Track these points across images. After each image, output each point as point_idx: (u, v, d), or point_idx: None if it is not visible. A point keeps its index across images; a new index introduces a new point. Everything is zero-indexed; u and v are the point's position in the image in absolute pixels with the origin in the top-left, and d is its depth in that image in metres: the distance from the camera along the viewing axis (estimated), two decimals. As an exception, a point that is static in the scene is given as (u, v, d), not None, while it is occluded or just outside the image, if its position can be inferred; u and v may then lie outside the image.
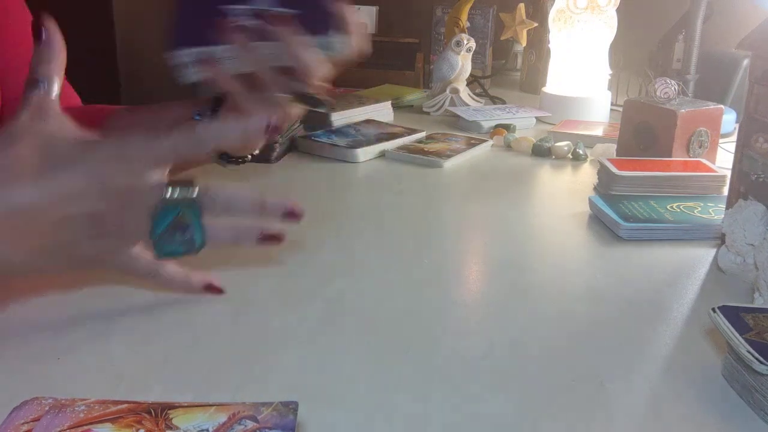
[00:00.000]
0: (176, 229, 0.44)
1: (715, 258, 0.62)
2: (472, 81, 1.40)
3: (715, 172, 0.80)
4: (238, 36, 0.50)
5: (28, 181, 0.40)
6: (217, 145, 0.44)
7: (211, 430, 0.31)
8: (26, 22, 0.73)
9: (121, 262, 0.46)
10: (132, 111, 0.69)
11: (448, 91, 1.28)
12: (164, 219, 0.44)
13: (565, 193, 0.85)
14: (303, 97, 0.55)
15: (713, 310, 0.44)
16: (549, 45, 1.28)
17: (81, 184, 0.41)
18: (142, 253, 0.46)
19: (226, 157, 0.59)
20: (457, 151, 0.97)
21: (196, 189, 0.45)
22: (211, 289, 0.52)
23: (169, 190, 0.43)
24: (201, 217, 0.45)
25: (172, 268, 0.49)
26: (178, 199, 0.44)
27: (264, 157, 0.88)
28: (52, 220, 0.41)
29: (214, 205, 0.46)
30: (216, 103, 0.59)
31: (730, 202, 0.64)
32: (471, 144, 1.01)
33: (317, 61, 0.51)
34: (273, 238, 0.50)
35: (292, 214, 0.49)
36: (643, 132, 0.90)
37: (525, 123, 1.18)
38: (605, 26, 1.19)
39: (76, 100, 0.79)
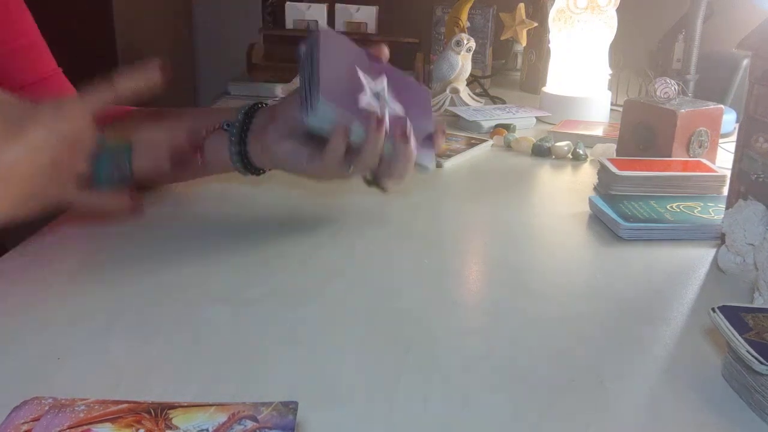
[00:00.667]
0: (112, 167, 0.58)
1: (715, 258, 0.62)
2: (472, 81, 1.40)
3: (715, 172, 0.80)
4: (379, 126, 0.56)
5: (3, 143, 0.46)
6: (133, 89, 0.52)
7: (210, 430, 0.31)
8: (24, 18, 0.73)
9: (73, 195, 0.53)
10: (151, 115, 0.71)
11: (448, 91, 1.28)
12: (104, 161, 0.57)
13: (565, 193, 0.85)
14: (374, 182, 0.64)
15: (713, 310, 0.44)
16: (549, 45, 1.28)
17: (42, 136, 0.47)
18: (85, 186, 0.54)
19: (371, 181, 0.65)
20: (457, 151, 0.97)
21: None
22: (130, 207, 0.59)
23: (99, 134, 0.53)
24: (130, 156, 0.59)
25: (106, 194, 0.58)
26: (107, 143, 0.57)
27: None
28: (28, 171, 0.47)
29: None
30: (247, 116, 0.62)
31: (730, 202, 0.64)
32: (471, 144, 1.01)
33: (410, 173, 0.60)
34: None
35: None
36: (643, 132, 0.90)
37: (525, 123, 1.18)
38: (605, 26, 1.19)
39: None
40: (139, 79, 0.51)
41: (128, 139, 0.59)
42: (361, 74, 0.58)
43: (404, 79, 0.63)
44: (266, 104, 0.66)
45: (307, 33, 0.60)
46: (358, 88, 0.57)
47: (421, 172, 0.62)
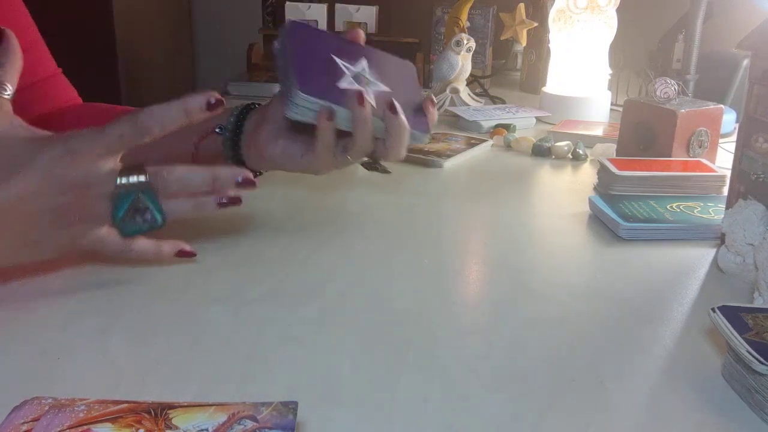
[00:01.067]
0: (136, 211, 0.47)
1: (715, 258, 0.62)
2: (472, 81, 1.40)
3: (715, 172, 0.80)
4: (361, 104, 0.55)
5: None
6: (162, 130, 0.47)
7: (210, 430, 0.31)
8: (22, 19, 0.73)
9: (91, 245, 0.48)
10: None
11: (448, 91, 1.28)
12: (122, 204, 0.47)
13: (565, 193, 0.85)
14: (374, 165, 0.63)
15: (713, 310, 0.44)
16: (549, 45, 1.28)
17: (37, 183, 0.44)
18: (110, 233, 0.48)
19: (369, 165, 0.65)
20: (457, 151, 0.97)
21: (146, 174, 0.48)
22: (183, 254, 0.53)
23: (121, 178, 0.47)
24: (157, 198, 0.48)
25: (142, 242, 0.51)
26: (131, 184, 0.47)
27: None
28: (18, 219, 0.44)
29: (167, 185, 0.49)
30: (240, 118, 0.61)
31: (729, 202, 0.64)
32: (471, 144, 1.01)
33: (406, 146, 0.58)
34: (231, 202, 0.53)
35: (245, 183, 0.52)
36: (643, 132, 0.90)
37: (525, 123, 1.18)
38: (605, 26, 1.19)
39: (76, 99, 0.79)
40: (166, 119, 0.47)
41: (142, 169, 0.48)
42: (337, 60, 0.57)
43: (386, 56, 0.62)
44: (258, 105, 0.65)
45: (278, 29, 0.59)
46: (337, 73, 0.57)
47: (416, 141, 0.60)
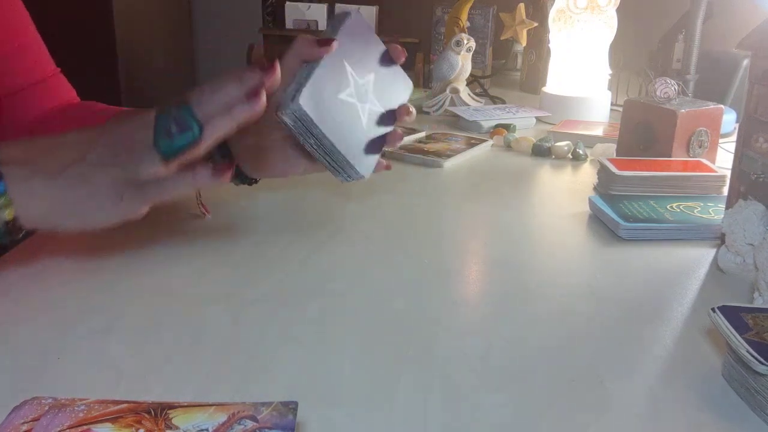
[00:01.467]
0: (171, 125, 0.47)
1: (715, 258, 0.62)
2: (472, 81, 1.40)
3: (715, 172, 0.80)
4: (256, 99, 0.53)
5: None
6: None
7: (210, 429, 0.31)
8: (20, 19, 0.73)
9: (139, 174, 0.48)
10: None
11: (448, 91, 1.28)
12: (160, 124, 0.47)
13: (565, 193, 0.85)
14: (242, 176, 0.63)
15: (713, 310, 0.44)
16: (549, 45, 1.28)
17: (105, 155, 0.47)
18: (154, 160, 0.48)
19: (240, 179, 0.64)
20: (457, 151, 0.97)
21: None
22: (219, 170, 0.49)
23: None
24: (191, 110, 0.47)
25: (179, 171, 0.49)
26: (166, 106, 0.48)
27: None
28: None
29: (201, 97, 0.48)
30: (224, 152, 0.61)
31: (729, 202, 0.64)
32: (471, 144, 1.01)
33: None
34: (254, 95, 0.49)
35: (269, 69, 0.49)
36: (643, 132, 0.90)
37: (525, 123, 1.18)
38: (605, 26, 1.19)
39: (74, 98, 0.79)
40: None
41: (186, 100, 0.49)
42: (348, 68, 0.56)
43: (394, 75, 0.61)
44: None
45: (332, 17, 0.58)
46: (343, 83, 0.56)
47: (343, 177, 0.57)
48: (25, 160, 0.47)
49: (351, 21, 0.57)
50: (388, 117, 0.60)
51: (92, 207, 0.48)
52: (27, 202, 0.46)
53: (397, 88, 0.61)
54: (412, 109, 0.61)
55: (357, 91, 0.57)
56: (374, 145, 0.58)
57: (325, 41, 0.54)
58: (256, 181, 0.67)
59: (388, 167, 0.63)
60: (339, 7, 1.73)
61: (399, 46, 0.61)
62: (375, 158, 0.59)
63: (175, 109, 0.47)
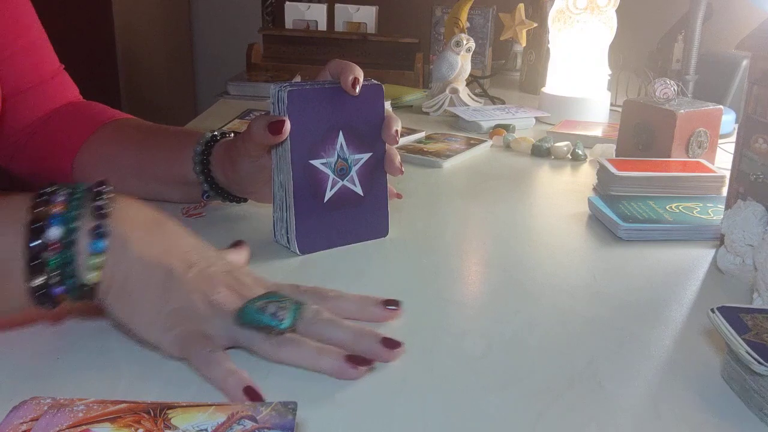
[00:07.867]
0: (270, 304, 0.44)
1: (714, 258, 0.62)
2: (472, 81, 1.40)
3: (714, 172, 0.80)
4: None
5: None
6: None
7: (210, 430, 0.31)
8: (25, 13, 0.73)
9: (210, 310, 0.44)
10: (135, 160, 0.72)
11: (447, 91, 1.28)
12: (270, 295, 0.46)
13: (564, 193, 0.85)
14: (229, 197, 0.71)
15: (712, 310, 0.44)
16: (548, 45, 1.28)
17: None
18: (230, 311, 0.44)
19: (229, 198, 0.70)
20: (457, 151, 0.97)
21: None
22: (247, 392, 0.40)
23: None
24: (300, 313, 0.45)
25: (226, 357, 0.42)
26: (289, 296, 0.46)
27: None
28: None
29: (318, 312, 0.46)
30: (206, 150, 0.69)
31: (729, 203, 0.64)
32: (470, 144, 1.01)
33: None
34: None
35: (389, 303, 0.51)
36: (643, 132, 0.91)
37: (524, 123, 1.18)
38: (605, 26, 1.19)
39: (77, 97, 0.79)
40: None
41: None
42: (318, 166, 0.60)
43: (361, 110, 0.62)
44: (226, 134, 0.68)
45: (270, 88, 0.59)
46: (321, 178, 0.60)
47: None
48: (140, 237, 0.43)
49: (293, 100, 0.58)
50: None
51: (142, 323, 0.44)
52: (112, 274, 0.42)
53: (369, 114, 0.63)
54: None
55: (338, 173, 0.61)
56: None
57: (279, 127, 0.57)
58: (245, 200, 0.69)
59: (398, 196, 0.69)
60: (338, 8, 1.73)
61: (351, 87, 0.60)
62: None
63: (289, 300, 0.45)
